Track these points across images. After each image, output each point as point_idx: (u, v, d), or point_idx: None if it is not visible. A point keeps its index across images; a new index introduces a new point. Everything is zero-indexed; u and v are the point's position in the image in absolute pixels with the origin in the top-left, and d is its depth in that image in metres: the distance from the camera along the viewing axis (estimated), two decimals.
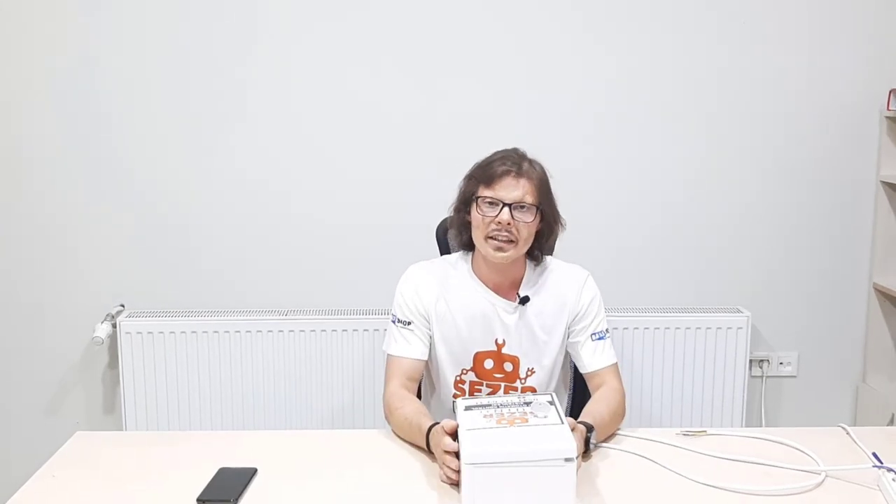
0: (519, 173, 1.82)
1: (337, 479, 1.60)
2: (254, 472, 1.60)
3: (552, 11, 2.72)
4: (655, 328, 2.78)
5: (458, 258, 1.97)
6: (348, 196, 2.80)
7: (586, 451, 1.65)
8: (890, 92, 2.75)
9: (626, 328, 2.77)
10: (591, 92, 2.78)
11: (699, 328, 2.79)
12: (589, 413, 1.75)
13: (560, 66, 2.76)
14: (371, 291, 2.79)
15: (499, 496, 1.40)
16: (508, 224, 1.79)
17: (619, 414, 1.82)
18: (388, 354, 1.92)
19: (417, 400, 1.86)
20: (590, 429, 1.66)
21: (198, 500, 1.51)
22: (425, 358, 1.91)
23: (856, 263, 2.91)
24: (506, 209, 1.79)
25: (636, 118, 2.79)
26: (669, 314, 2.80)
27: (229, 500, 1.50)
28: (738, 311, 2.83)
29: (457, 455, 1.51)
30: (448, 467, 1.53)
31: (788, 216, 2.87)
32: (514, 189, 1.81)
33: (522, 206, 1.81)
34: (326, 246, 2.83)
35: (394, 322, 1.92)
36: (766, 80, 2.78)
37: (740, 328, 2.79)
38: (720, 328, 2.79)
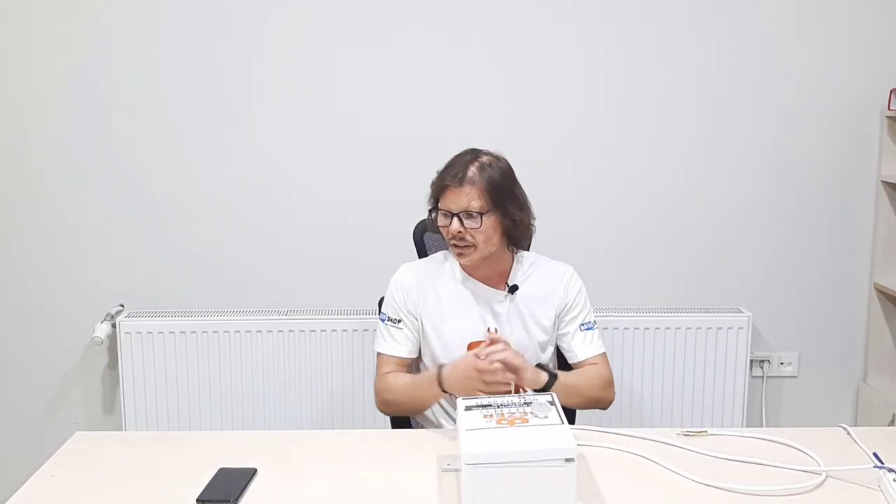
0: (461, 182, 1.84)
1: (337, 479, 1.60)
2: (254, 472, 1.60)
3: (547, 11, 2.72)
4: (656, 328, 2.78)
5: (445, 254, 2.03)
6: (347, 197, 2.81)
7: (547, 387, 1.77)
8: (890, 92, 2.75)
9: (627, 328, 2.77)
10: (590, 91, 2.78)
11: (699, 328, 2.79)
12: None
13: (557, 65, 2.76)
14: (371, 292, 2.76)
15: (499, 496, 1.40)
16: (459, 233, 1.85)
17: (595, 387, 1.90)
18: (378, 353, 1.96)
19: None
20: (543, 367, 1.80)
21: (198, 500, 1.51)
22: (414, 356, 1.96)
23: (856, 263, 2.91)
24: (455, 219, 1.85)
25: (635, 118, 2.79)
26: (669, 314, 2.80)
27: (229, 501, 1.50)
28: (739, 311, 2.83)
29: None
30: (492, 377, 1.69)
31: (789, 216, 2.87)
32: (458, 199, 1.85)
33: (470, 215, 1.84)
34: (326, 246, 2.83)
35: (383, 321, 1.97)
36: (767, 79, 2.78)
37: (741, 328, 2.79)
38: (720, 328, 2.79)
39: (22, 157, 2.75)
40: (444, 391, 1.80)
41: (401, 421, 2.13)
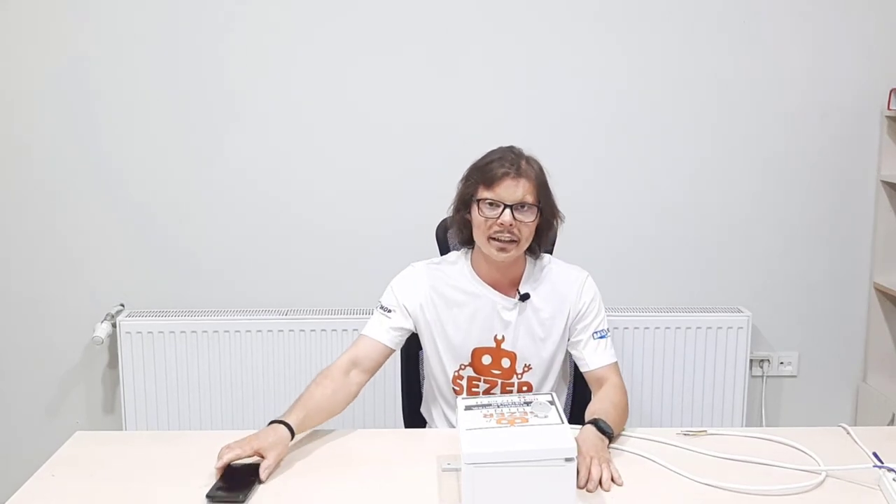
0: (518, 174, 1.82)
1: (337, 479, 1.60)
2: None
3: (553, 12, 2.72)
4: (655, 328, 2.78)
5: (458, 256, 1.99)
6: (348, 196, 2.81)
7: (610, 441, 1.69)
8: (890, 91, 2.75)
9: (627, 328, 2.77)
10: (592, 92, 2.78)
11: (699, 328, 2.79)
12: (593, 413, 1.76)
13: (561, 66, 2.76)
14: (371, 291, 2.75)
15: (499, 496, 1.40)
16: (511, 225, 1.80)
17: (624, 409, 1.83)
18: (361, 333, 1.94)
19: (325, 390, 1.83)
20: (594, 421, 1.68)
21: (207, 496, 1.50)
22: (389, 346, 1.90)
23: (856, 263, 2.91)
24: (507, 210, 1.80)
25: (636, 118, 2.79)
26: (669, 314, 2.80)
27: (238, 497, 1.50)
28: (739, 310, 2.83)
29: (224, 479, 1.56)
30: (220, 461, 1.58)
31: (789, 216, 2.87)
32: (514, 190, 1.81)
33: (523, 206, 1.82)
34: (326, 246, 2.83)
35: (378, 308, 1.94)
36: (766, 79, 2.78)
37: (741, 328, 2.79)
38: (720, 328, 2.79)
39: (22, 158, 2.75)
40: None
41: (415, 420, 2.14)
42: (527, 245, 1.87)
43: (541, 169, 1.88)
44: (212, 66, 2.72)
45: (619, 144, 2.81)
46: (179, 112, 2.74)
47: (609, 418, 1.72)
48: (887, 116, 2.79)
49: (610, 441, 1.70)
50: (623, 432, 1.79)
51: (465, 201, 1.88)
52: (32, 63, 2.70)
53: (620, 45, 2.76)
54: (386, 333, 1.90)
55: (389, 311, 1.92)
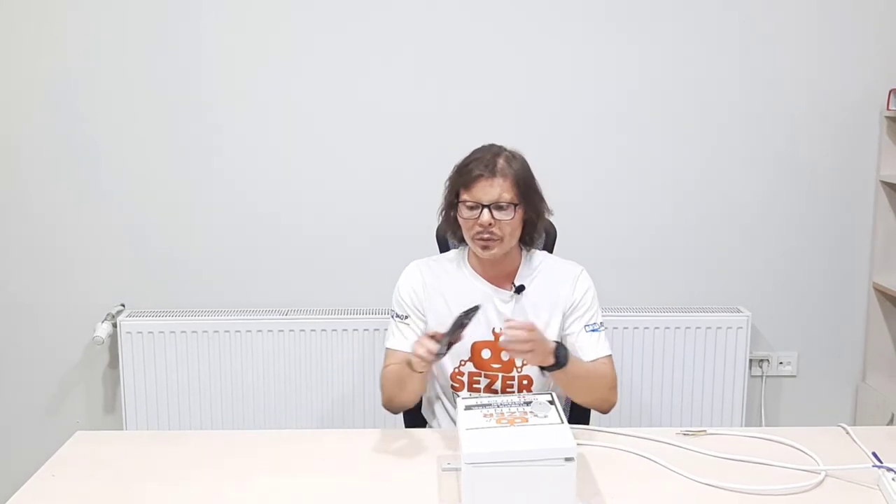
0: (492, 174, 1.84)
1: (337, 479, 1.60)
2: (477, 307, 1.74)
3: (555, 12, 2.73)
4: (655, 328, 2.78)
5: (455, 253, 2.02)
6: (348, 196, 2.81)
7: (557, 367, 1.75)
8: (890, 92, 2.75)
9: (626, 328, 2.78)
10: (592, 92, 2.78)
11: (699, 328, 2.79)
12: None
13: (562, 66, 2.76)
14: (370, 291, 2.79)
15: (499, 496, 1.40)
16: (490, 224, 1.83)
17: (602, 378, 1.88)
18: (386, 347, 1.98)
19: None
20: (560, 344, 1.78)
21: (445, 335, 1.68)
22: None
23: (856, 263, 2.91)
24: (485, 211, 1.83)
25: (636, 118, 2.80)
26: (669, 314, 2.81)
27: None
28: (738, 310, 2.83)
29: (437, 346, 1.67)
30: (422, 348, 1.68)
31: (788, 216, 2.87)
32: (489, 190, 1.84)
33: (501, 206, 1.84)
34: (326, 246, 2.83)
35: (393, 317, 1.98)
36: (767, 79, 2.79)
37: (740, 328, 2.79)
38: (720, 328, 2.79)
39: (21, 157, 2.75)
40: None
41: (414, 420, 2.14)
42: (513, 241, 1.90)
43: (521, 166, 1.89)
44: (212, 66, 2.72)
45: (617, 146, 2.81)
46: (180, 111, 2.74)
47: (580, 364, 1.81)
48: (887, 117, 2.79)
49: (556, 367, 1.74)
50: (623, 432, 1.79)
51: (450, 203, 1.92)
52: (30, 63, 2.70)
53: (622, 48, 2.75)
54: (410, 341, 1.91)
55: (405, 317, 1.96)
